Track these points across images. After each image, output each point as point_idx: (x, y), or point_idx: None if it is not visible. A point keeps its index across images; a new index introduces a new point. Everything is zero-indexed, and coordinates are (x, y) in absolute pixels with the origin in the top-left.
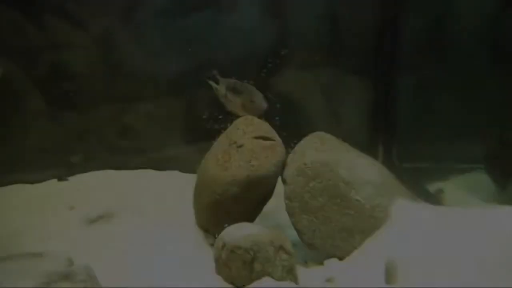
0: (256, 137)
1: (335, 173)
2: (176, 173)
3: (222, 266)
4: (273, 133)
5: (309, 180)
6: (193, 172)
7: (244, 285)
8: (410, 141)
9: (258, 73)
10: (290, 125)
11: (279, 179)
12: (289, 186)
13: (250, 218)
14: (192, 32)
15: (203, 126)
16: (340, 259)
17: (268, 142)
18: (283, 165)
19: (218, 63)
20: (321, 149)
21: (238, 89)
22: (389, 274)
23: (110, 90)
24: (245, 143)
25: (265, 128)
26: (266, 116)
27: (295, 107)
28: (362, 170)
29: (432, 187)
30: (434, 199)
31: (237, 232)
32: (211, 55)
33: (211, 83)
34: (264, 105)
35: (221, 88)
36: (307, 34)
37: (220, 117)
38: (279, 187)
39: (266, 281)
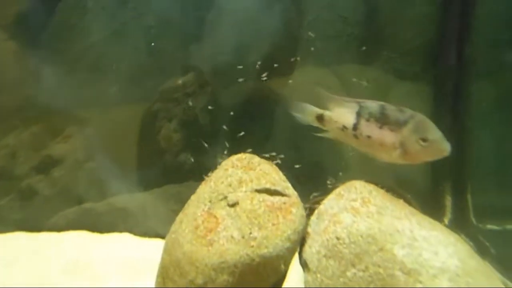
0: (259, 190)
1: (388, 255)
2: (126, 238)
3: None
4: (284, 183)
5: (346, 265)
6: (157, 236)
7: None
8: (496, 188)
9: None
10: (308, 167)
11: (295, 259)
12: (314, 275)
13: None
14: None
15: (175, 158)
16: None
17: (277, 199)
18: (301, 237)
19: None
20: (363, 212)
21: (391, 116)
22: None
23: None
24: (241, 200)
25: (273, 174)
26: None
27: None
28: (431, 249)
29: None
30: None
31: None
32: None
33: (305, 106)
34: (446, 146)
35: (340, 114)
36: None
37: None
38: (295, 273)
39: None
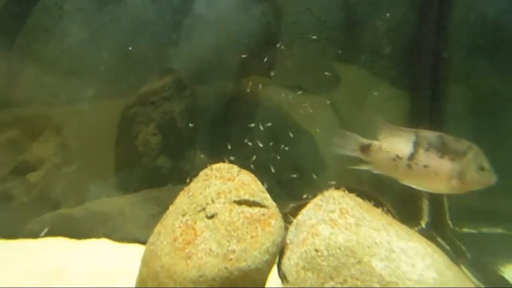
0: (238, 202)
1: (366, 267)
2: (104, 244)
3: None
4: (263, 194)
5: (324, 278)
6: (135, 241)
7: None
8: (472, 191)
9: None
10: (285, 175)
11: (274, 270)
12: (292, 287)
13: None
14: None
15: (153, 161)
16: None
17: (256, 210)
18: (279, 249)
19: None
20: (341, 224)
21: (451, 146)
22: None
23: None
24: (220, 212)
25: (252, 185)
26: None
27: (291, 141)
28: (408, 261)
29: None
30: None
31: None
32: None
33: (349, 135)
34: (495, 176)
35: (393, 143)
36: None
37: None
38: (273, 285)
39: None
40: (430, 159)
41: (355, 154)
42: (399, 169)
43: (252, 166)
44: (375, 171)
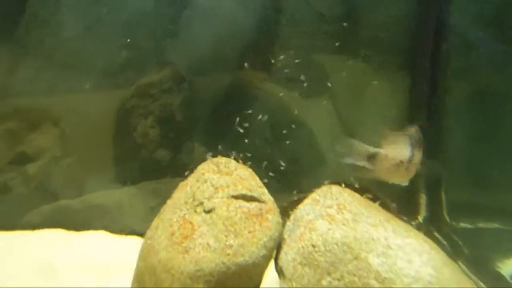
0: (236, 196)
1: (363, 263)
2: (102, 236)
3: None
4: (261, 189)
5: (321, 273)
6: (133, 233)
7: None
8: (469, 186)
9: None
10: (284, 168)
11: (271, 265)
12: (289, 283)
13: None
14: None
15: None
16: None
17: (254, 205)
18: (277, 244)
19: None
20: (338, 220)
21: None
22: None
23: None
24: (218, 207)
25: (249, 179)
26: None
27: (289, 134)
28: (405, 258)
29: (509, 267)
30: None
31: None
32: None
33: (356, 144)
34: None
35: (395, 149)
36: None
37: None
38: (271, 280)
39: None
40: (419, 156)
41: (362, 163)
42: (400, 173)
43: (250, 159)
44: (378, 178)
